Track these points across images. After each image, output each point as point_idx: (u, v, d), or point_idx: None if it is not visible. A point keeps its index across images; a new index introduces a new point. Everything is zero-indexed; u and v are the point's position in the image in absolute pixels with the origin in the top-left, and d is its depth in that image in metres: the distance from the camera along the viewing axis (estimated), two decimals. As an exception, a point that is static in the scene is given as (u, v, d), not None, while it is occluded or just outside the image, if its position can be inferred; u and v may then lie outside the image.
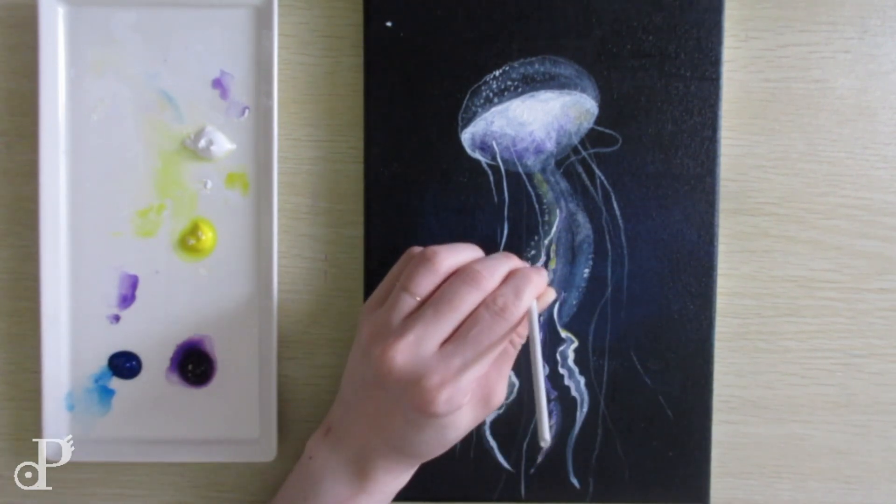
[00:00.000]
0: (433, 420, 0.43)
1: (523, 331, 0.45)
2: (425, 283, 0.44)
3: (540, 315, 0.46)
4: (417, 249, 0.46)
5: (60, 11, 0.49)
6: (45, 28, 0.48)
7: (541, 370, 0.43)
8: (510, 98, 0.49)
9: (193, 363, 0.50)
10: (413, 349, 0.42)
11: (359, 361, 0.45)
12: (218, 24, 0.49)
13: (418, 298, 0.43)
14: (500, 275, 0.44)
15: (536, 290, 0.44)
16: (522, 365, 0.50)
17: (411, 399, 0.42)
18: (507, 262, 0.45)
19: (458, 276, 0.44)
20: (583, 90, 0.49)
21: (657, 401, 0.50)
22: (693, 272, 0.49)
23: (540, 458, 0.50)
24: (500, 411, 0.50)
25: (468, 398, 0.43)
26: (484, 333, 0.42)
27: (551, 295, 0.47)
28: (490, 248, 0.49)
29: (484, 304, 0.43)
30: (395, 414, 0.44)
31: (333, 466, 0.45)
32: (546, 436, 0.41)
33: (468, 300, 0.43)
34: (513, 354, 0.46)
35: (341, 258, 0.51)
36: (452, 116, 0.49)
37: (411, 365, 0.42)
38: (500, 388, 0.45)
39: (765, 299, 0.51)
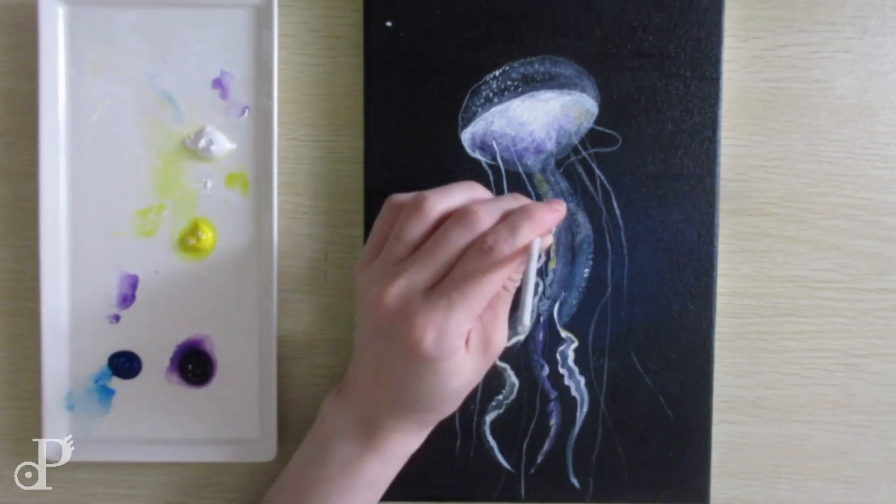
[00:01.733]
0: (428, 365, 0.41)
1: (517, 275, 0.44)
2: (415, 230, 0.42)
3: (539, 256, 0.43)
4: (398, 197, 0.44)
5: (60, 11, 0.49)
6: (45, 28, 0.48)
7: (529, 303, 0.40)
8: (510, 98, 0.49)
9: (193, 363, 0.50)
10: (403, 292, 0.41)
11: (359, 315, 0.45)
12: (218, 24, 0.49)
13: (408, 244, 0.42)
14: (498, 213, 0.42)
15: (539, 227, 0.42)
16: (522, 364, 0.50)
17: (402, 341, 0.41)
18: (512, 202, 0.43)
19: (453, 217, 0.42)
20: (583, 90, 0.49)
21: (657, 401, 0.50)
22: (693, 272, 0.49)
23: (540, 458, 0.50)
24: (501, 411, 0.50)
25: (460, 342, 0.42)
26: (470, 273, 0.41)
27: (547, 240, 0.45)
28: (490, 248, 0.49)
29: (475, 243, 0.41)
30: (395, 363, 0.43)
31: (343, 426, 0.45)
32: (526, 321, 0.39)
33: (459, 241, 0.41)
34: (508, 298, 0.44)
35: (341, 258, 0.51)
36: (452, 116, 0.49)
37: (401, 307, 0.41)
38: (499, 334, 0.44)
39: (765, 299, 0.51)
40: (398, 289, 0.41)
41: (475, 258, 0.41)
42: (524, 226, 0.41)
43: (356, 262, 0.45)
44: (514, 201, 0.44)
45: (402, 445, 0.45)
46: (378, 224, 0.45)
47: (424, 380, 0.42)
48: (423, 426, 0.46)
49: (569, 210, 0.49)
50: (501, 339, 0.44)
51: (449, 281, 0.41)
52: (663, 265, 0.49)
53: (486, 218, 0.42)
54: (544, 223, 0.42)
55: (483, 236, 0.41)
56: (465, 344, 0.43)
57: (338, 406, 0.46)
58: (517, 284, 0.44)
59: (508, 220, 0.42)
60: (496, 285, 0.41)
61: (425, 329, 0.41)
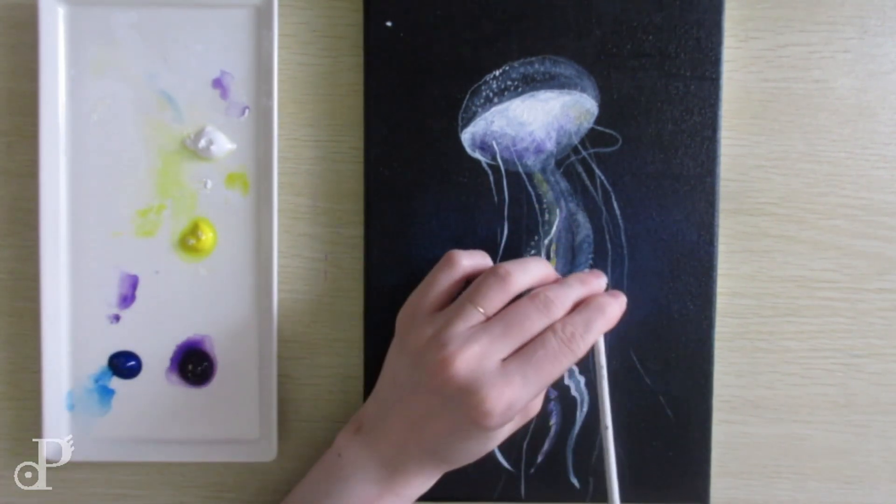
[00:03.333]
0: (485, 433, 0.44)
1: None
2: (496, 301, 0.44)
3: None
4: (467, 260, 0.46)
5: (60, 11, 0.49)
6: (45, 28, 0.48)
7: (608, 410, 0.45)
8: (510, 98, 0.49)
9: (193, 363, 0.50)
10: (476, 361, 0.42)
11: (404, 363, 0.45)
12: (218, 24, 0.49)
13: (484, 313, 0.44)
14: (570, 303, 0.45)
15: (608, 323, 0.45)
16: (522, 365, 0.50)
17: (467, 409, 0.42)
18: (580, 289, 0.46)
19: (530, 299, 0.44)
20: (583, 90, 0.49)
21: (657, 401, 0.50)
22: (693, 272, 0.49)
23: (540, 458, 0.50)
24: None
25: (520, 414, 0.45)
26: (548, 359, 0.43)
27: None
28: (490, 248, 0.49)
29: (552, 329, 0.43)
30: (442, 420, 0.43)
31: (363, 464, 0.45)
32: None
33: (537, 324, 0.43)
34: None
35: (341, 258, 0.51)
36: (452, 116, 0.49)
37: (473, 376, 0.42)
38: (538, 401, 0.47)
39: (765, 299, 0.51)
40: (472, 356, 0.42)
41: (555, 346, 0.43)
42: (597, 321, 0.44)
43: (405, 305, 0.46)
44: (582, 287, 0.46)
45: (420, 488, 0.46)
46: (439, 276, 0.46)
47: (471, 441, 0.44)
48: (442, 471, 0.47)
49: (569, 210, 0.49)
50: (538, 405, 0.48)
51: (525, 359, 0.43)
52: (663, 265, 0.49)
53: (560, 308, 0.44)
54: (613, 320, 0.45)
55: (563, 325, 0.44)
56: None
57: (358, 444, 0.46)
58: None
59: (583, 311, 0.45)
60: (565, 370, 0.44)
61: (498, 402, 0.42)
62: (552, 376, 0.43)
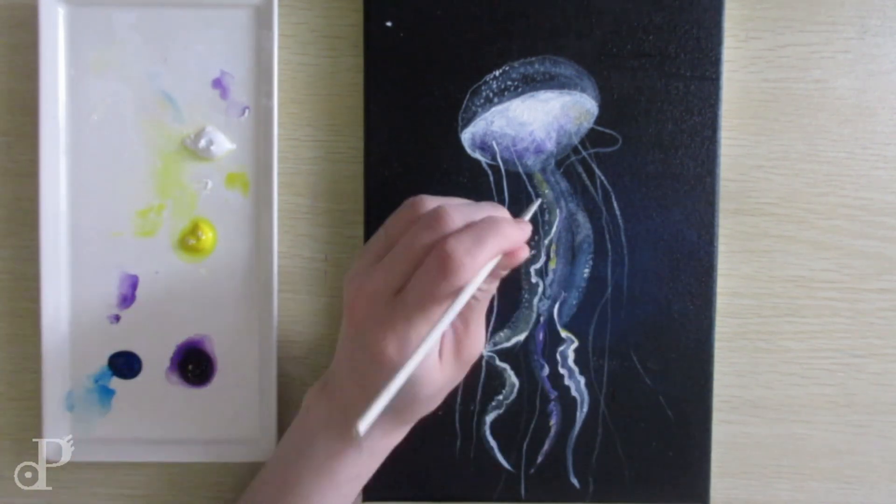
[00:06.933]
0: (394, 373, 0.37)
1: (490, 284, 0.42)
2: (399, 224, 0.41)
3: (507, 271, 0.41)
4: (423, 200, 0.42)
5: (60, 11, 0.49)
6: (45, 28, 0.48)
7: (436, 337, 0.38)
8: (510, 98, 0.49)
9: (193, 363, 0.50)
10: (371, 297, 0.40)
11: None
12: (218, 24, 0.49)
13: (385, 236, 0.41)
14: (463, 220, 0.39)
15: (503, 242, 0.39)
16: (522, 364, 0.50)
17: (367, 351, 0.40)
18: (487, 209, 0.40)
19: (421, 217, 0.40)
20: (583, 90, 0.49)
21: (657, 401, 0.50)
22: (693, 272, 0.49)
23: (540, 459, 0.50)
24: (501, 411, 0.50)
25: (424, 351, 0.38)
26: (426, 287, 0.38)
27: (523, 252, 0.41)
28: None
29: (434, 248, 0.38)
30: (366, 368, 0.41)
31: (326, 420, 0.44)
32: (362, 426, 0.34)
33: (421, 241, 0.39)
34: (480, 306, 0.42)
35: (341, 258, 0.51)
36: (452, 116, 0.49)
37: (368, 311, 0.40)
38: (471, 343, 0.42)
39: (765, 299, 0.51)
40: (366, 296, 0.40)
41: (432, 271, 0.38)
42: (490, 241, 0.38)
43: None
44: (487, 209, 0.41)
45: (381, 441, 0.45)
46: (390, 220, 0.43)
47: (408, 387, 0.39)
48: (400, 424, 0.45)
49: (569, 210, 0.49)
50: (474, 348, 0.43)
51: (408, 288, 0.39)
52: (663, 265, 0.49)
53: (450, 222, 0.39)
54: (509, 238, 0.39)
55: (443, 242, 0.38)
56: (440, 351, 0.42)
57: (321, 399, 0.45)
58: (491, 293, 0.43)
59: (473, 228, 0.39)
60: (452, 291, 0.38)
61: (386, 337, 0.39)
62: (436, 300, 0.38)
